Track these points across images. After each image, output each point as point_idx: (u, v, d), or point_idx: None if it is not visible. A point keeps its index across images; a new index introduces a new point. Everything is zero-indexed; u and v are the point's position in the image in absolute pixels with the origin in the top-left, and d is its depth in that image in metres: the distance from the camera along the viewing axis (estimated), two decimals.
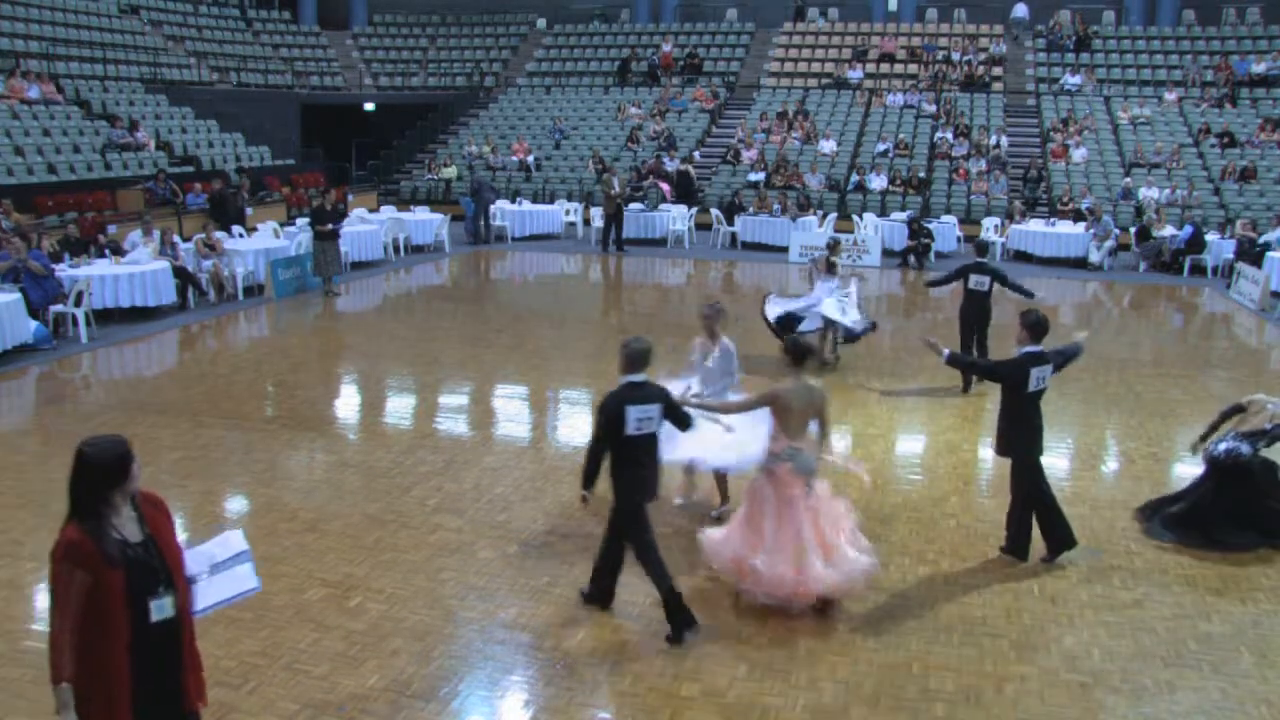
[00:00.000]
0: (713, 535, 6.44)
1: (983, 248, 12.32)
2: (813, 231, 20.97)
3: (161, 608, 3.70)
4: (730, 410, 6.67)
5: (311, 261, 16.53)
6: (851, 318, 11.69)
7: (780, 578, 5.94)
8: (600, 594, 6.19)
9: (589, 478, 5.86)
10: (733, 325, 8.07)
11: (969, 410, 10.53)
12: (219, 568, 4.08)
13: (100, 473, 3.62)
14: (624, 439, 5.74)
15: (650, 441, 5.84)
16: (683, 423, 6.04)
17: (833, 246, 12.37)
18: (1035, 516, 6.91)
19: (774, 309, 11.44)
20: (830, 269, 11.84)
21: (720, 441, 6.88)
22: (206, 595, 4.02)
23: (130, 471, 3.67)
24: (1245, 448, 7.23)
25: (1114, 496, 8.19)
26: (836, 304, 11.53)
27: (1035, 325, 6.79)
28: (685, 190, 23.97)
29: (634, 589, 6.41)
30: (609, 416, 5.72)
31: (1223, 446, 7.31)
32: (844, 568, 6.01)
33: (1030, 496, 6.88)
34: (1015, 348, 6.90)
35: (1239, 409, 7.57)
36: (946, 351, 7.11)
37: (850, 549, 6.10)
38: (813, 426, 6.25)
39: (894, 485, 8.36)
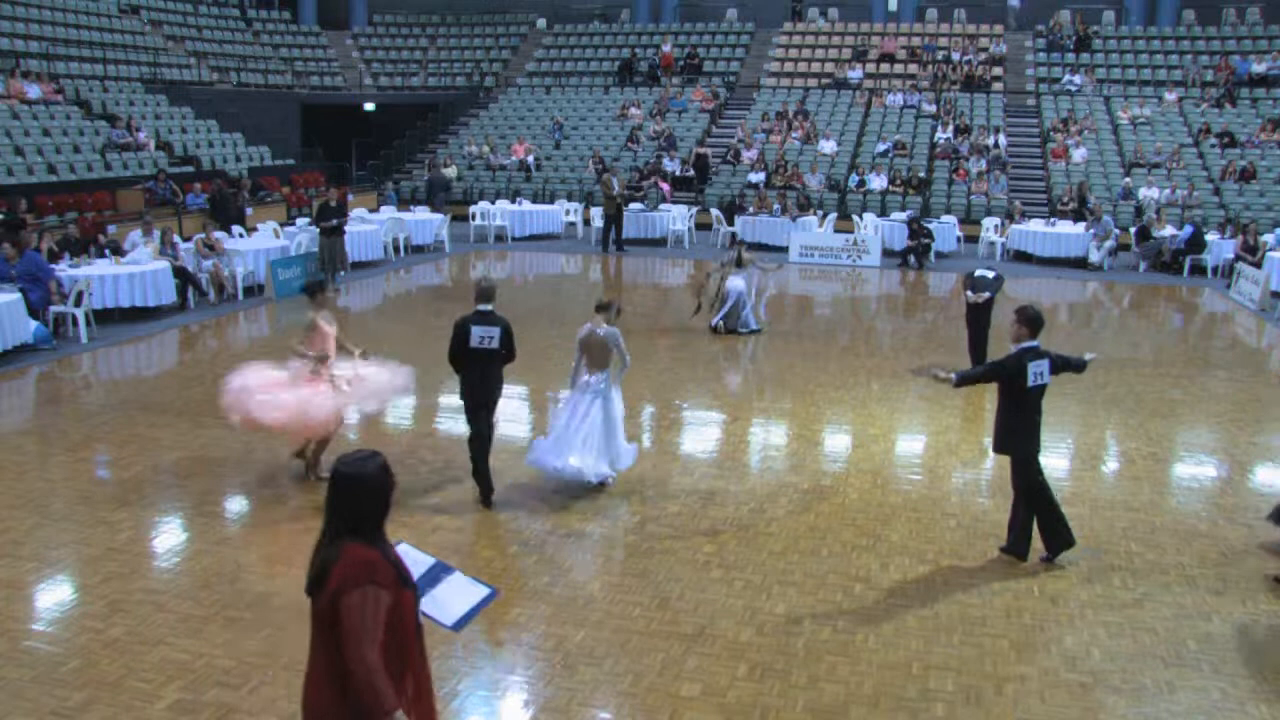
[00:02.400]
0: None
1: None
2: (813, 231, 20.99)
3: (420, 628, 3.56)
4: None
5: (316, 259, 16.54)
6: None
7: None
8: (483, 485, 7.78)
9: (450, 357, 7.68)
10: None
11: (969, 410, 10.53)
12: (425, 582, 3.76)
13: (385, 490, 3.41)
14: (469, 350, 7.50)
15: (489, 355, 7.57)
16: (512, 352, 7.70)
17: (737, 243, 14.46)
18: (1035, 515, 6.90)
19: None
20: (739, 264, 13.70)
21: (596, 453, 7.86)
22: (446, 608, 3.75)
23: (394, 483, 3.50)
24: None
25: (1114, 496, 8.19)
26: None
27: (1033, 320, 6.81)
28: (702, 174, 24.28)
29: (634, 589, 6.42)
30: (458, 331, 7.54)
31: None
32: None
33: (1031, 494, 6.87)
34: (1011, 345, 6.89)
35: None
36: (955, 375, 7.04)
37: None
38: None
39: (894, 485, 8.36)
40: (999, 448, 7.05)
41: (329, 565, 3.31)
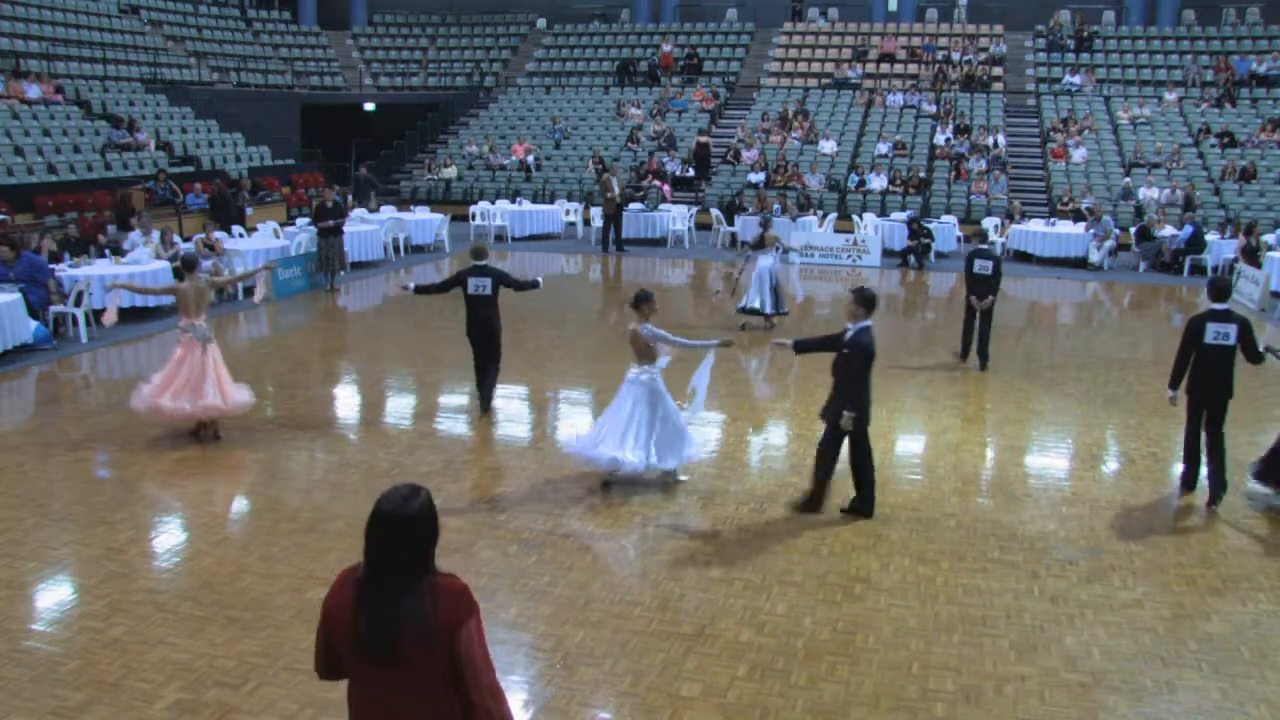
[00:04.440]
0: (141, 391, 8.90)
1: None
2: (813, 231, 20.98)
3: None
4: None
5: (315, 259, 16.55)
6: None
7: (181, 409, 8.79)
8: (483, 399, 9.93)
9: (427, 288, 9.95)
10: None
11: (969, 410, 10.54)
12: None
13: (436, 521, 3.14)
14: (467, 296, 9.53)
15: (485, 300, 9.54)
16: (516, 284, 9.87)
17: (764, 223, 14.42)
18: (859, 474, 7.55)
19: None
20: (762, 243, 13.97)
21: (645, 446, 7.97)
22: None
23: None
24: None
25: (1114, 496, 8.19)
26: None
27: (871, 300, 7.40)
28: (703, 165, 24.39)
29: (634, 589, 6.42)
30: (460, 280, 9.58)
31: None
32: (234, 398, 8.96)
33: (863, 454, 7.50)
34: (849, 323, 7.38)
35: None
36: (792, 342, 7.88)
37: (236, 390, 9.04)
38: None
39: (894, 485, 8.36)
40: (832, 416, 7.44)
41: (416, 616, 2.98)
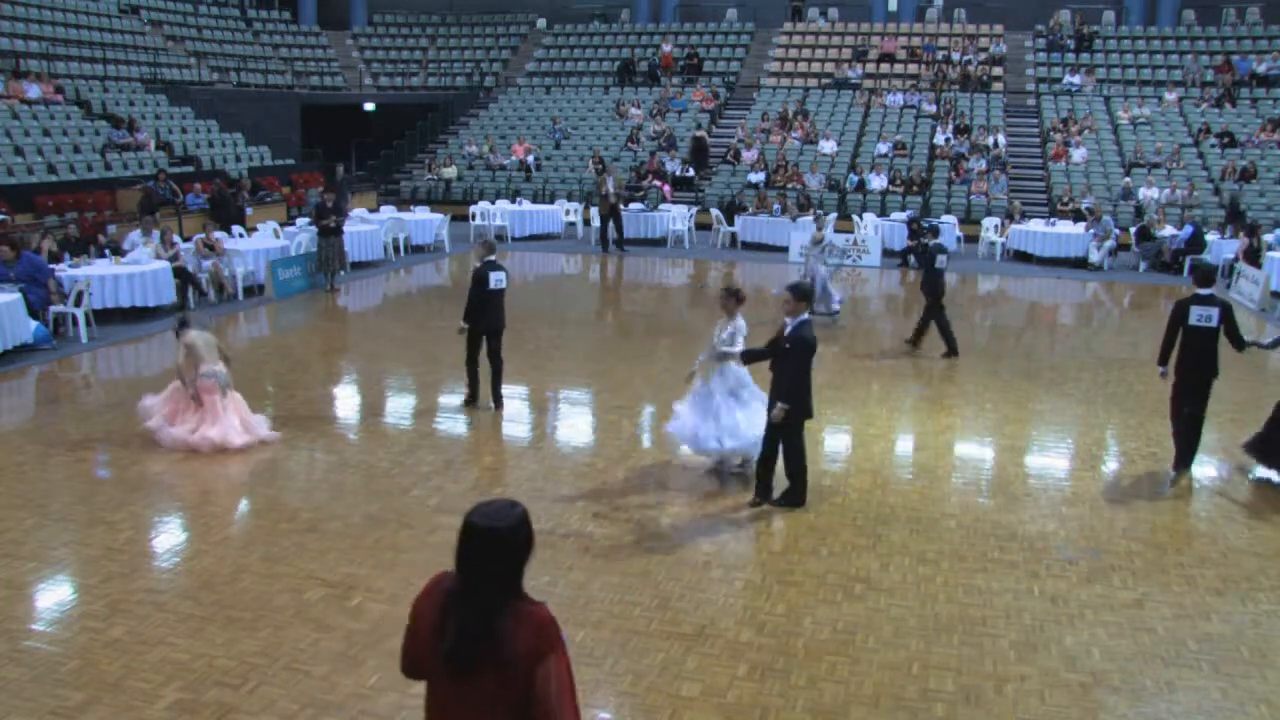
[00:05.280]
0: (147, 402, 9.20)
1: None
2: (812, 232, 20.95)
3: None
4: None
5: (315, 259, 16.54)
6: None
7: (182, 438, 8.86)
8: (495, 396, 10.18)
9: (468, 315, 9.87)
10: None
11: (969, 411, 10.54)
12: None
13: (532, 541, 3.03)
14: (489, 291, 9.80)
15: (502, 294, 9.96)
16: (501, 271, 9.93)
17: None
18: (789, 466, 7.62)
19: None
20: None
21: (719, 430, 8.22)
22: None
23: None
24: None
25: (1114, 496, 8.19)
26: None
27: (807, 293, 7.62)
28: (701, 159, 24.54)
29: (634, 589, 6.42)
30: (478, 277, 9.80)
31: None
32: (255, 432, 9.04)
33: (796, 449, 7.59)
34: (788, 319, 7.42)
35: None
36: (739, 350, 7.97)
37: (259, 426, 9.13)
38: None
39: (894, 485, 8.36)
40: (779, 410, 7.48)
41: (499, 636, 2.88)
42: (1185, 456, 8.52)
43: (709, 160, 25.36)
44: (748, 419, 8.13)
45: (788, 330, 7.45)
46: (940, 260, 12.42)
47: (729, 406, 8.19)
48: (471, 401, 10.22)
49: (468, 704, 2.95)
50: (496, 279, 9.87)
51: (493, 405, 10.13)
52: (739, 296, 8.21)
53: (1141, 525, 7.60)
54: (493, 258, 9.98)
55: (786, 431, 7.54)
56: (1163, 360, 8.70)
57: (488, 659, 2.88)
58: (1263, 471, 8.63)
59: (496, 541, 2.90)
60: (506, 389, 10.31)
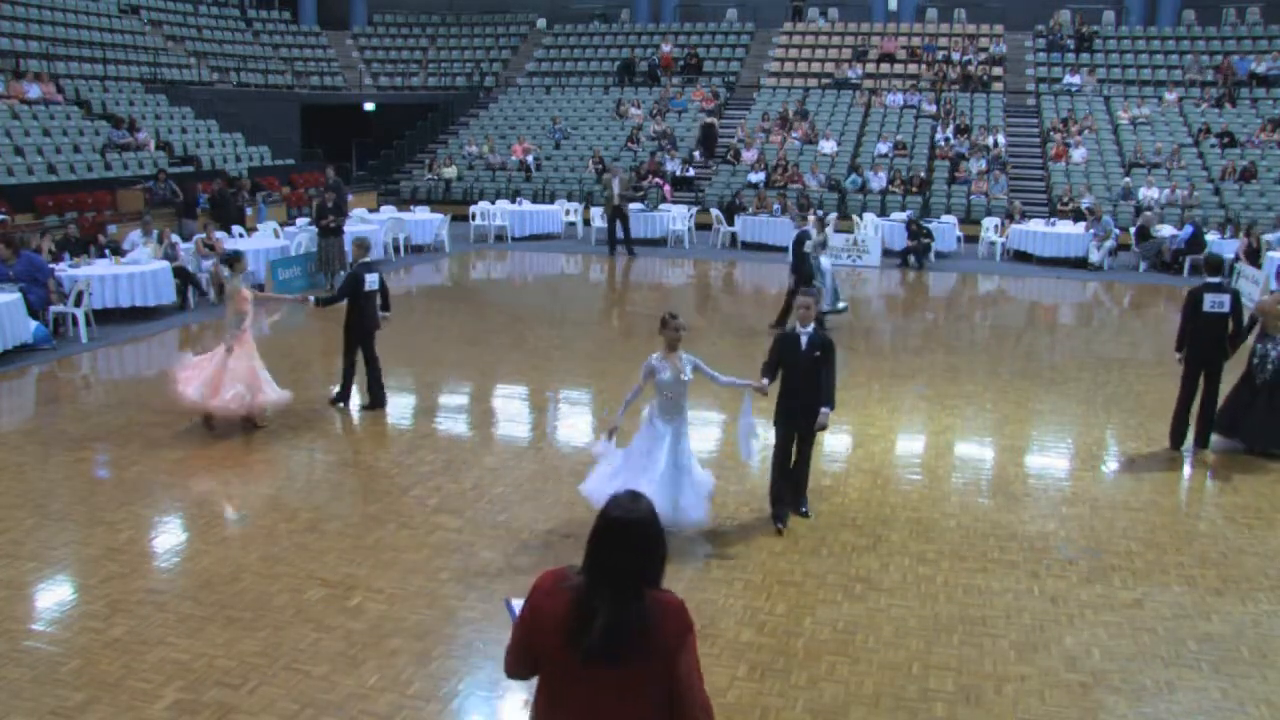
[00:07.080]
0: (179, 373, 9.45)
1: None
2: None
3: None
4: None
5: (315, 259, 16.53)
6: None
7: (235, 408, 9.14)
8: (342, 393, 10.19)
9: (326, 303, 10.33)
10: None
11: (969, 410, 10.53)
12: None
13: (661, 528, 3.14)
14: (363, 292, 9.76)
15: (373, 296, 9.88)
16: (385, 297, 10.07)
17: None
18: (805, 475, 7.56)
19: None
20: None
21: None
22: None
23: None
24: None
25: (1114, 496, 8.19)
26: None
27: (819, 298, 7.89)
28: (709, 146, 24.89)
29: None
30: (353, 278, 9.82)
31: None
32: (271, 395, 9.36)
33: (808, 458, 7.54)
34: (796, 325, 7.29)
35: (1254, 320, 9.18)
36: (765, 381, 7.37)
37: (271, 388, 9.43)
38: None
39: (894, 485, 8.36)
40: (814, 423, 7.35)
41: (644, 624, 2.98)
42: (1205, 436, 9.16)
43: (718, 149, 25.39)
44: (689, 500, 6.95)
45: (807, 338, 7.15)
46: (808, 245, 13.13)
47: (673, 481, 6.85)
48: (342, 399, 10.18)
49: (611, 692, 3.02)
50: (371, 280, 9.86)
51: (369, 403, 10.11)
52: (679, 327, 6.98)
53: (1141, 525, 7.60)
54: (368, 259, 9.99)
55: (811, 441, 7.47)
56: (1180, 346, 9.23)
57: (635, 646, 2.98)
58: (1224, 443, 9.27)
59: (635, 531, 3.02)
60: (507, 388, 10.30)
